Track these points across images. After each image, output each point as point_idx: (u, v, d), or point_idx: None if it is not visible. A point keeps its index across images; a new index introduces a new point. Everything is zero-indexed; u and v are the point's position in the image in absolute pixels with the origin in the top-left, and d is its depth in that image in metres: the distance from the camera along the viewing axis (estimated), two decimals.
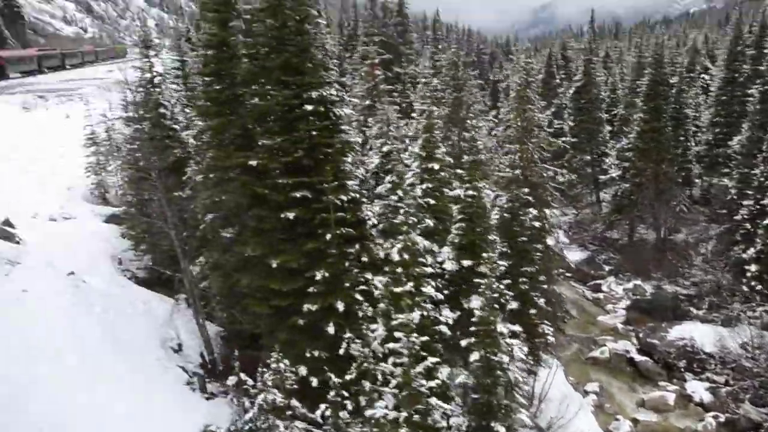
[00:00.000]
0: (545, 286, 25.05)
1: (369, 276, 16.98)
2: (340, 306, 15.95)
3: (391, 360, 13.20)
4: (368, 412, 12.88)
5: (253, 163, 16.04)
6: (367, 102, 29.92)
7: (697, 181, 52.83)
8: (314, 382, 15.67)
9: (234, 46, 18.19)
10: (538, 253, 23.66)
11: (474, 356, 14.23)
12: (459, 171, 20.44)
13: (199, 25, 38.18)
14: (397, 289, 14.56)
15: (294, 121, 16.29)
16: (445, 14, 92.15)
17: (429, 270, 16.16)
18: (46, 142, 38.17)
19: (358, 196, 17.39)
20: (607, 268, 43.87)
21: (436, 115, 20.50)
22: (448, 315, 17.17)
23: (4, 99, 48.55)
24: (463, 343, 14.89)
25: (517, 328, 16.55)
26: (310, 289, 16.05)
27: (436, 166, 19.88)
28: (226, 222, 18.15)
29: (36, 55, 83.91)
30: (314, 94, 15.91)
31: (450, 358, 16.58)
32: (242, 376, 15.01)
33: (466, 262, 18.81)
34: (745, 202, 36.33)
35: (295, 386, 14.54)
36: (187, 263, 19.02)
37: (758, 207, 34.82)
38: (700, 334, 31.00)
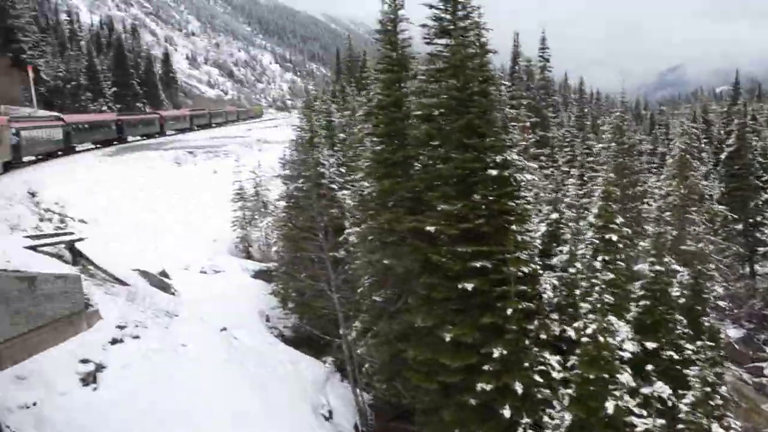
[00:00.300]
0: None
1: (546, 355, 15.49)
2: (518, 387, 14.50)
3: None
4: None
5: (431, 228, 15.21)
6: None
7: None
8: None
9: (406, 107, 17.86)
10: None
11: None
12: (643, 244, 18.58)
13: (362, 84, 39.00)
14: (588, 374, 12.98)
15: (472, 186, 15.42)
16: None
17: (627, 355, 14.38)
18: (195, 195, 40.13)
19: (535, 267, 16.08)
20: None
21: (609, 181, 18.93)
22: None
23: (159, 154, 52.16)
24: None
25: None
26: (485, 367, 14.74)
27: (614, 237, 18.23)
28: (391, 289, 17.38)
29: (188, 114, 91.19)
30: (498, 158, 15.02)
31: None
32: None
33: (651, 344, 16.87)
34: None
35: None
36: (347, 328, 18.39)
37: None
38: None
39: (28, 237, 21.23)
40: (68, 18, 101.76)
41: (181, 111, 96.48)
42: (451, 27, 16.23)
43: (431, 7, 16.35)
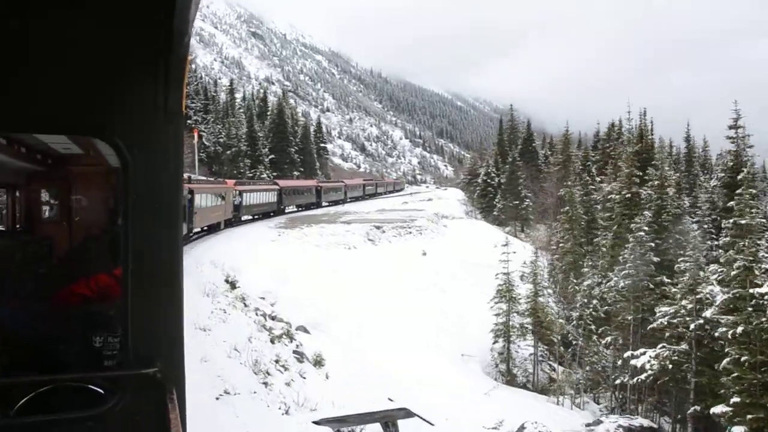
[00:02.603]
0: None
1: None
2: None
3: None
4: None
5: None
6: None
7: None
8: None
9: None
10: None
11: None
12: None
13: None
14: None
15: None
16: None
17: None
18: (420, 288, 29.55)
19: None
20: None
21: None
22: None
23: (344, 228, 42.77)
24: None
25: None
26: None
27: None
28: None
29: (344, 185, 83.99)
30: None
31: None
32: None
33: None
34: None
35: None
36: None
37: None
38: None
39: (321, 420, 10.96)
40: (229, 86, 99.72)
41: (339, 181, 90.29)
42: None
43: None
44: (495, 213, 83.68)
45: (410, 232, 44.76)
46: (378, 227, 44.56)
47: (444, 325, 26.22)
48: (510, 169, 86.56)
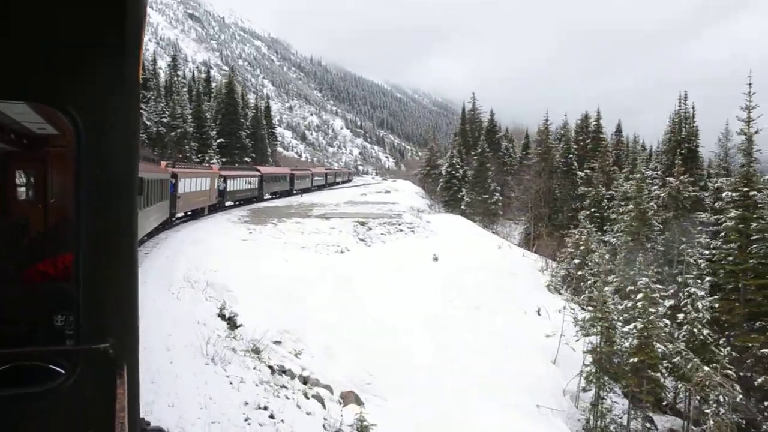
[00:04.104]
0: None
1: None
2: None
3: None
4: None
5: None
6: None
7: None
8: None
9: None
10: None
11: None
12: None
13: None
14: None
15: None
16: None
17: None
18: (452, 306, 23.18)
19: None
20: None
21: None
22: None
23: (328, 224, 35.66)
24: None
25: None
26: None
27: None
28: None
29: (311, 173, 78.00)
30: None
31: None
32: None
33: None
34: None
35: None
36: None
37: None
38: None
39: None
40: (171, 62, 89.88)
41: (306, 169, 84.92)
42: None
43: None
44: (462, 207, 77.94)
45: (401, 230, 38.26)
46: (362, 223, 37.85)
47: (496, 358, 20.00)
48: (479, 161, 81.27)
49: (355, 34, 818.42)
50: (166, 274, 16.98)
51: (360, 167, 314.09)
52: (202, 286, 17.02)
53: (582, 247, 34.34)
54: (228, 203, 45.24)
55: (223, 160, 71.16)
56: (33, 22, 2.26)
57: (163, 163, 33.99)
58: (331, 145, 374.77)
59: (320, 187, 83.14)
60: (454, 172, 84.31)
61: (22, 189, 7.64)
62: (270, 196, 58.37)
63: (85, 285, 2.43)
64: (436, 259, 30.20)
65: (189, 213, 35.09)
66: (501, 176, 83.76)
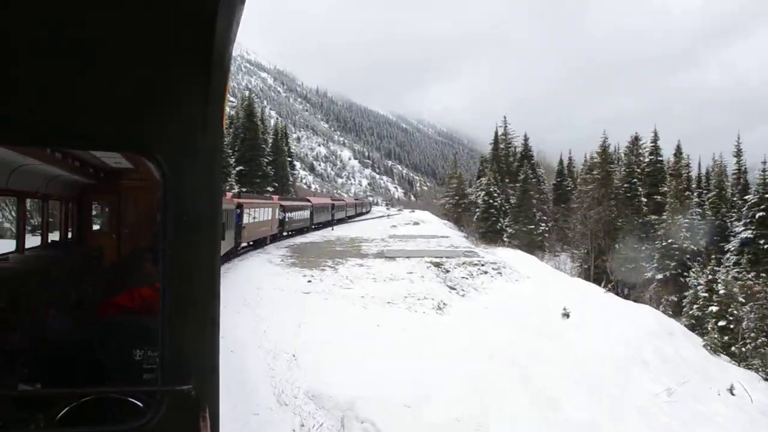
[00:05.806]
0: None
1: None
2: None
3: None
4: None
5: None
6: None
7: None
8: None
9: None
10: None
11: None
12: None
13: None
14: None
15: None
16: None
17: None
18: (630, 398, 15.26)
19: None
20: None
21: None
22: None
23: (405, 268, 27.91)
24: None
25: None
26: None
27: None
28: None
29: (330, 203, 69.99)
30: None
31: None
32: None
33: None
34: None
35: None
36: None
37: None
38: None
39: None
40: None
41: (341, 199, 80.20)
42: None
43: None
44: (505, 239, 70.13)
45: (485, 271, 30.55)
46: (436, 264, 30.11)
47: None
48: (522, 188, 73.75)
49: (356, 63, 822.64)
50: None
51: (370, 198, 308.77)
52: (299, 402, 9.47)
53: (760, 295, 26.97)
54: (284, 233, 45.95)
55: (243, 189, 64.21)
56: (130, 81, 2.39)
57: (229, 194, 33.08)
58: (340, 176, 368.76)
59: (350, 218, 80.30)
60: (491, 201, 76.42)
61: (98, 220, 8.06)
62: (314, 227, 57.51)
63: (171, 323, 2.40)
64: (566, 315, 22.45)
65: (251, 243, 35.25)
66: (539, 204, 76.76)
